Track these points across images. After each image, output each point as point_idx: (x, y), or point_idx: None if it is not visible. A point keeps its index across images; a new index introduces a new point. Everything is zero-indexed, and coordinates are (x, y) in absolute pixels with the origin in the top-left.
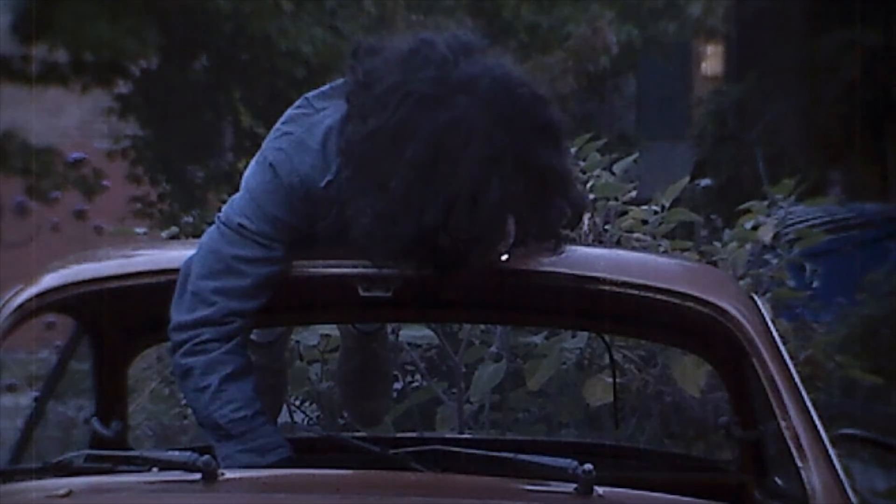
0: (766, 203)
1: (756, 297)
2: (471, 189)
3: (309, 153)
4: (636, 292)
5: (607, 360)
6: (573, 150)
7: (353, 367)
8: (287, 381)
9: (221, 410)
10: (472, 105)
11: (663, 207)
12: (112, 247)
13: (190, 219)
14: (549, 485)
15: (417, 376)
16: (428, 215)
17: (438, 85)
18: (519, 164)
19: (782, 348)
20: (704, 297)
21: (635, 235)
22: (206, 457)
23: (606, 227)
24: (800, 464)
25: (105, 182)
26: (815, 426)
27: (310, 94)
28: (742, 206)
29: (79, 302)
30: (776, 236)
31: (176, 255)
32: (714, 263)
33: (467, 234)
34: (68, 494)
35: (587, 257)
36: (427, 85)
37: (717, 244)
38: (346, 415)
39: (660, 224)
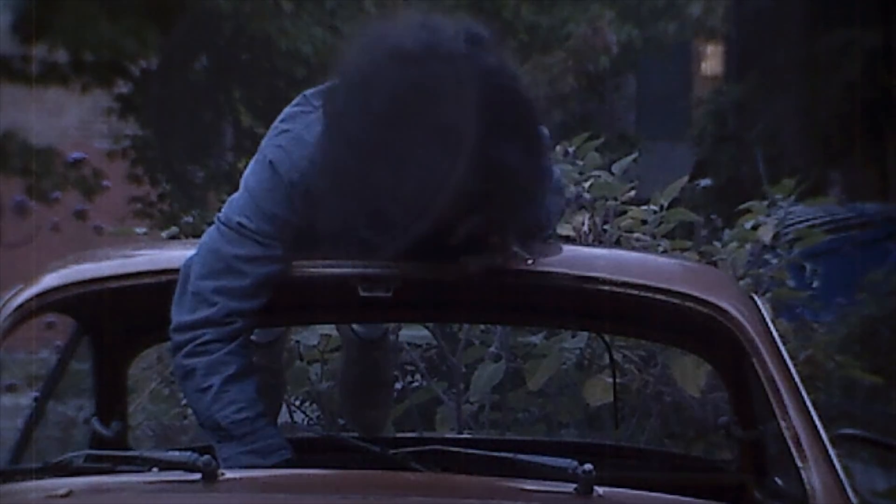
0: (766, 203)
1: (756, 297)
2: (417, 153)
3: (308, 148)
4: (636, 292)
5: (607, 360)
6: (571, 149)
7: (354, 376)
8: (286, 382)
9: (223, 412)
10: (447, 77)
11: (663, 207)
12: (112, 247)
13: (190, 219)
14: (549, 485)
15: (417, 376)
16: (375, 173)
17: (422, 52)
18: (474, 149)
19: (782, 348)
20: (704, 297)
21: (635, 235)
22: (206, 457)
23: (606, 226)
24: (800, 464)
25: (105, 182)
26: (815, 426)
27: (308, 92)
28: (742, 206)
29: (79, 302)
30: (776, 236)
31: (176, 255)
32: (714, 263)
33: (419, 210)
34: (68, 494)
35: (587, 257)
36: (411, 49)
37: (717, 244)
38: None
39: (659, 224)
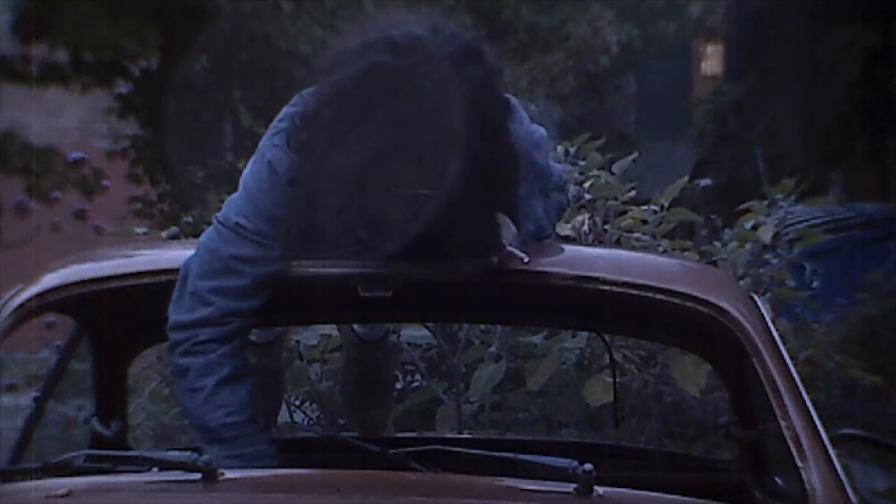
0: (766, 203)
1: (756, 297)
2: (379, 144)
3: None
4: (636, 292)
5: (607, 360)
6: (573, 149)
7: (355, 376)
8: (285, 382)
9: (213, 414)
10: (420, 71)
11: (663, 207)
12: (112, 247)
13: (190, 219)
14: (549, 485)
15: (417, 376)
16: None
17: (406, 45)
18: (427, 150)
19: (782, 348)
20: (704, 297)
21: (635, 235)
22: (206, 457)
23: (606, 226)
24: (800, 464)
25: (105, 182)
26: (815, 426)
27: (305, 92)
28: (742, 206)
29: (79, 302)
30: (776, 236)
31: (176, 255)
32: (714, 263)
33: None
34: (68, 494)
35: (587, 257)
36: (395, 41)
37: (717, 244)
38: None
39: (659, 224)
